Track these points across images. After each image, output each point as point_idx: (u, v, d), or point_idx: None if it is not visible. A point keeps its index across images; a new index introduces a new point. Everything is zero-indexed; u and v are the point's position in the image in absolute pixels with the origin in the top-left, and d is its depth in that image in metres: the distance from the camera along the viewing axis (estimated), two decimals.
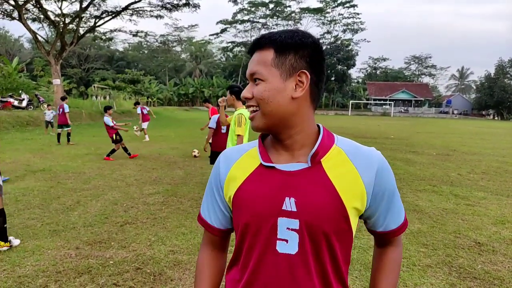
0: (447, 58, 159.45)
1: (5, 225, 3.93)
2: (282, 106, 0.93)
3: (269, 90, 0.92)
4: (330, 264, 0.95)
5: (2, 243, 3.89)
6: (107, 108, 10.60)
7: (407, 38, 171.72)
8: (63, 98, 13.96)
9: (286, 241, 0.93)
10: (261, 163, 0.99)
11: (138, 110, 15.04)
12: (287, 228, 0.93)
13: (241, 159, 1.04)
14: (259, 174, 0.98)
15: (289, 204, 0.93)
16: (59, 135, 13.13)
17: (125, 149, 10.35)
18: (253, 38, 1.08)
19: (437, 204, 5.97)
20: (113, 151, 10.14)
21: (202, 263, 1.14)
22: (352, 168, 0.95)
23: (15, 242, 4.04)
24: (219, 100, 4.93)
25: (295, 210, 0.92)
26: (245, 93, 0.96)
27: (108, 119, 10.11)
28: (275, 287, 0.95)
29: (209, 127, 6.74)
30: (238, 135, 4.47)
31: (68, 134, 13.13)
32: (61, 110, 13.11)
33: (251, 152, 1.04)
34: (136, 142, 13.83)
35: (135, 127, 15.60)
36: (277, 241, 0.94)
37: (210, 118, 9.52)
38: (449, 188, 7.16)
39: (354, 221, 0.96)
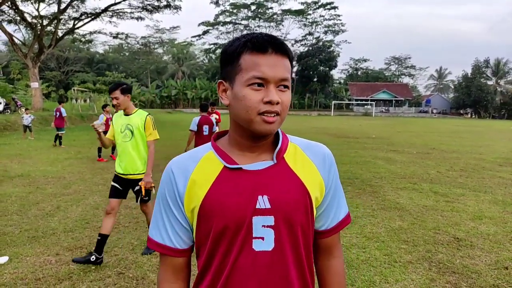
0: (426, 59, 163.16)
1: None
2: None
3: (290, 99, 0.96)
4: (305, 255, 0.99)
5: None
6: (104, 106, 11.07)
7: (386, 39, 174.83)
8: (60, 102, 14.04)
9: (262, 238, 0.94)
10: (224, 166, 0.98)
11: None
12: (262, 226, 0.94)
13: (199, 167, 0.99)
14: (225, 177, 0.97)
15: (263, 202, 0.94)
16: (56, 136, 13.22)
17: (113, 148, 10.38)
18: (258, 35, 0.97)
19: (418, 201, 6.10)
20: (99, 149, 10.28)
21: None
22: (310, 162, 1.03)
23: (1, 260, 3.73)
24: (95, 125, 3.48)
25: (269, 207, 0.94)
26: (277, 97, 0.90)
27: (101, 116, 10.40)
28: (254, 285, 0.95)
29: (190, 130, 6.66)
30: (154, 141, 3.88)
31: (60, 138, 13.18)
32: (57, 113, 13.29)
33: (208, 157, 1.01)
34: None
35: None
36: (253, 240, 0.94)
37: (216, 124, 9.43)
38: (429, 185, 7.32)
39: (315, 212, 1.03)
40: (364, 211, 5.52)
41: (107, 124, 10.32)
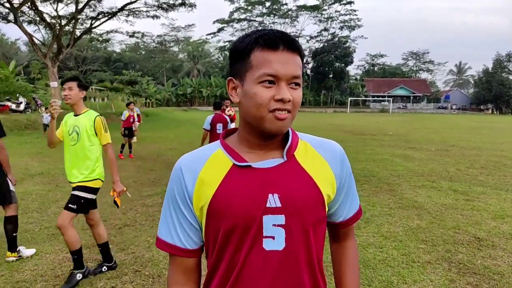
0: (445, 53, 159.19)
1: (14, 234, 3.74)
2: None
3: (301, 97, 0.95)
4: (316, 254, 0.98)
5: (9, 253, 3.71)
6: (128, 104, 11.51)
7: (404, 34, 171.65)
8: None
9: (273, 238, 0.93)
10: (234, 164, 0.96)
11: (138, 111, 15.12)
12: (273, 225, 0.93)
13: (207, 165, 0.98)
14: (234, 175, 0.95)
15: (273, 200, 0.93)
16: None
17: (130, 146, 10.66)
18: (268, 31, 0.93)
19: (436, 200, 5.97)
20: (122, 146, 10.69)
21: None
22: (321, 158, 1.02)
23: (26, 252, 3.84)
24: (53, 104, 3.11)
25: (280, 205, 0.93)
26: (288, 95, 0.90)
27: (124, 113, 10.82)
28: (264, 286, 0.93)
29: (204, 129, 6.65)
30: (107, 145, 3.42)
31: None
32: None
33: (216, 156, 0.99)
34: (134, 143, 13.80)
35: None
36: (263, 239, 0.93)
37: (232, 121, 9.48)
38: (448, 183, 7.16)
39: (326, 209, 1.03)
40: (381, 210, 5.43)
41: (127, 121, 10.74)
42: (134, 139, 14.28)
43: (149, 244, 4.18)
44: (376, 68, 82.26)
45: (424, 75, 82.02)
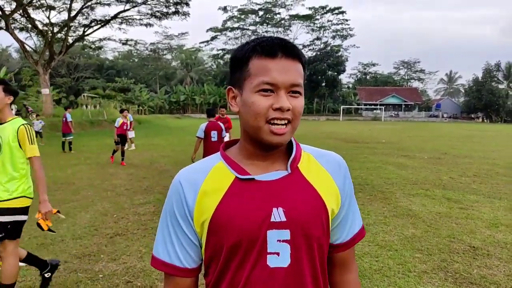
0: (435, 63, 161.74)
1: None
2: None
3: (303, 106, 0.91)
4: (321, 271, 0.94)
5: None
6: (121, 110, 11.67)
7: (396, 43, 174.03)
8: (66, 108, 14.28)
9: (278, 254, 0.89)
10: (236, 177, 0.92)
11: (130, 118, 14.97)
12: (278, 240, 0.88)
13: (209, 178, 0.93)
14: (237, 189, 0.91)
15: (278, 214, 0.88)
16: (63, 143, 13.51)
17: (122, 154, 10.58)
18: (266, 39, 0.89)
19: (431, 208, 5.96)
20: (113, 151, 10.71)
21: None
22: (324, 171, 0.97)
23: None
24: None
25: (285, 219, 0.88)
26: (287, 103, 0.86)
27: (118, 119, 10.83)
28: None
29: (197, 137, 6.49)
30: (33, 158, 2.88)
31: (70, 143, 13.45)
32: (64, 119, 13.51)
33: (218, 169, 0.95)
34: (127, 151, 13.68)
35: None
36: (268, 256, 0.88)
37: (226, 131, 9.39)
38: (441, 191, 7.17)
39: (330, 224, 0.98)
40: (376, 218, 5.41)
41: (121, 128, 10.72)
42: (133, 146, 14.21)
43: (141, 254, 4.09)
44: (368, 77, 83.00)
45: (415, 84, 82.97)
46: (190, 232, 0.93)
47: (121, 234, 4.75)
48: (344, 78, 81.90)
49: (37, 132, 15.46)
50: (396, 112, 64.73)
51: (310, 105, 67.52)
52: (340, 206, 0.98)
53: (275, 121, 0.86)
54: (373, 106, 64.23)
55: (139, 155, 12.72)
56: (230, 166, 0.93)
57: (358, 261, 3.89)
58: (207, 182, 0.93)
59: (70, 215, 5.53)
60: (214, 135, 6.41)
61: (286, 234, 0.89)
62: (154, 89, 68.35)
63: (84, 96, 37.56)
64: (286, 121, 0.87)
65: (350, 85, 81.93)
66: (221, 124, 6.69)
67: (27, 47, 25.84)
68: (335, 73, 66.67)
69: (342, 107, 61.22)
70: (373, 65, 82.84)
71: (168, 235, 0.95)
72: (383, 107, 60.76)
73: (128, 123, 10.91)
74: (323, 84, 66.55)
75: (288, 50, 0.88)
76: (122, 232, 4.84)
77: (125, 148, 10.88)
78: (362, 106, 65.16)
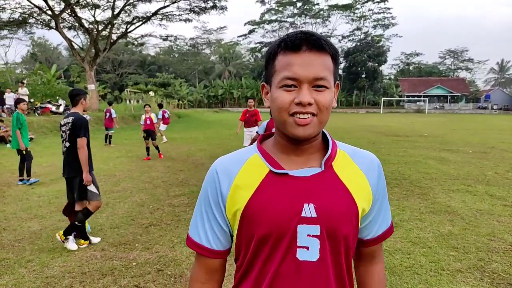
0: (485, 51, 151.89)
1: (76, 223, 4.03)
2: (329, 115, 0.93)
3: (331, 99, 0.92)
4: (346, 268, 0.97)
5: (82, 240, 4.14)
6: (144, 106, 11.88)
7: (441, 31, 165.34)
8: (109, 103, 14.88)
9: (307, 248, 0.92)
10: (270, 171, 0.95)
11: (160, 114, 15.21)
12: (308, 235, 0.91)
13: (244, 169, 0.97)
14: (270, 182, 0.94)
15: (309, 210, 0.91)
16: (106, 136, 14.25)
17: (156, 148, 10.82)
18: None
19: (471, 205, 5.68)
20: (147, 149, 10.77)
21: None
22: (358, 170, 0.98)
23: (95, 240, 4.25)
24: None
25: (315, 216, 0.91)
26: (308, 98, 0.87)
27: (141, 117, 11.07)
28: None
29: (256, 132, 6.73)
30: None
31: (110, 137, 14.14)
32: (107, 114, 14.18)
33: (253, 161, 0.98)
34: (165, 143, 14.13)
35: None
36: (297, 249, 0.92)
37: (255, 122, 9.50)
38: (484, 187, 6.81)
39: (359, 222, 1.00)
40: (411, 215, 5.24)
41: (145, 123, 10.76)
42: (164, 138, 14.63)
43: (173, 244, 4.24)
44: (411, 67, 79.78)
45: (462, 74, 78.65)
46: (222, 219, 0.99)
47: (155, 225, 4.94)
48: (386, 69, 79.35)
49: None
50: (441, 104, 61.79)
51: (350, 97, 66.10)
52: (372, 205, 0.99)
53: (298, 115, 0.88)
54: (416, 98, 61.73)
55: (177, 148, 13.08)
56: (265, 159, 0.96)
57: (388, 257, 3.81)
58: (241, 173, 0.96)
59: (109, 205, 5.82)
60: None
61: (316, 229, 0.91)
62: (193, 84, 69.72)
63: (127, 91, 39.03)
64: (309, 115, 0.88)
65: (392, 77, 79.17)
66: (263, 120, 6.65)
67: (74, 45, 27.20)
68: (376, 64, 64.73)
69: (383, 99, 59.29)
70: (417, 55, 79.43)
71: (200, 218, 1.01)
72: (427, 99, 58.15)
73: (152, 117, 10.90)
74: (363, 75, 64.89)
75: (312, 42, 0.88)
76: (156, 222, 5.03)
77: (155, 142, 10.86)
78: (405, 98, 62.81)
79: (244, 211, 0.93)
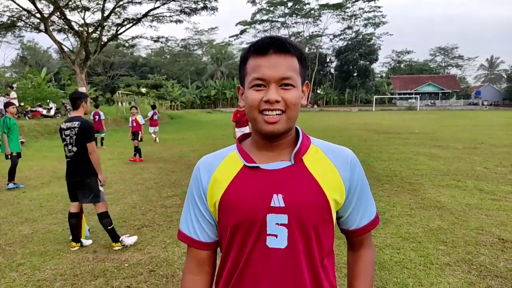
0: (475, 48, 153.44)
1: (109, 227, 4.10)
2: (298, 112, 1.01)
3: (298, 97, 0.99)
4: (318, 256, 1.01)
5: (113, 244, 4.14)
6: (131, 108, 11.86)
7: (431, 29, 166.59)
8: (96, 106, 14.77)
9: (276, 236, 0.97)
10: (244, 165, 1.03)
11: (149, 114, 15.45)
12: (276, 224, 0.97)
13: (222, 164, 1.06)
14: (244, 175, 1.02)
15: (277, 200, 0.97)
16: (96, 138, 13.99)
17: (136, 149, 10.71)
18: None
19: (460, 200, 5.77)
20: (136, 150, 10.70)
21: (186, 281, 1.10)
22: (330, 164, 1.04)
23: (128, 240, 4.22)
24: None
25: (283, 205, 0.97)
26: (275, 96, 0.94)
27: (129, 119, 11.19)
28: (267, 282, 0.98)
29: None
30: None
31: (102, 139, 14.09)
32: (96, 117, 14.06)
33: (231, 157, 1.07)
34: (158, 145, 14.10)
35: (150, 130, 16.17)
36: (267, 237, 0.98)
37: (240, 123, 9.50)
38: (474, 182, 6.90)
39: (334, 214, 1.04)
40: (401, 210, 5.30)
41: (132, 125, 10.82)
42: (157, 139, 14.58)
43: (165, 245, 4.25)
44: (402, 65, 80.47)
45: (453, 71, 79.58)
46: (205, 210, 1.07)
47: (147, 226, 4.95)
48: (377, 67, 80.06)
49: None
50: (432, 101, 62.36)
51: (342, 96, 66.41)
52: (346, 197, 1.04)
53: (266, 112, 0.96)
54: (407, 96, 62.20)
55: (169, 149, 13.06)
56: (241, 155, 1.05)
57: (378, 252, 3.86)
58: (220, 168, 1.05)
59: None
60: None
61: (284, 218, 0.97)
62: (185, 85, 69.50)
63: (118, 93, 38.78)
64: (278, 112, 0.95)
65: (384, 74, 79.76)
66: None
67: (64, 48, 26.99)
68: (367, 63, 65.16)
69: (375, 97, 59.66)
70: (408, 52, 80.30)
71: (188, 212, 1.10)
72: (418, 96, 58.67)
73: (138, 119, 10.92)
74: (355, 74, 65.28)
75: (278, 46, 0.96)
76: (148, 223, 5.04)
77: (137, 142, 10.75)
78: (396, 96, 63.27)
79: (221, 202, 1.02)
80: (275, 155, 1.03)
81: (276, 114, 0.95)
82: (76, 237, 4.19)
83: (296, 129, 1.08)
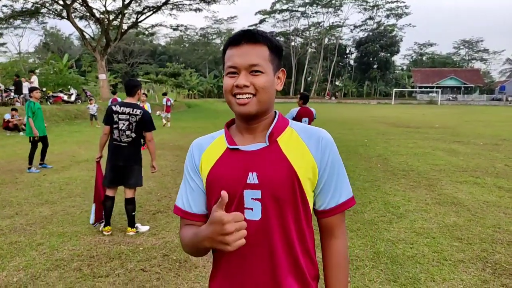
0: (501, 41, 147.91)
1: (133, 213, 4.29)
2: (271, 96, 1.11)
3: (267, 82, 1.08)
4: (295, 228, 1.09)
5: (129, 228, 4.28)
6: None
7: (456, 21, 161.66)
8: (114, 93, 14.98)
9: (252, 209, 1.08)
10: (227, 147, 1.14)
11: (164, 101, 16.00)
12: (252, 198, 1.08)
13: (211, 146, 1.17)
14: (226, 156, 1.13)
15: (252, 178, 1.08)
16: None
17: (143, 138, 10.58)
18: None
19: (478, 197, 5.65)
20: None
21: (186, 231, 1.14)
22: (303, 144, 1.12)
23: (143, 228, 4.38)
24: None
25: (257, 182, 1.08)
26: (243, 81, 1.04)
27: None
28: (243, 251, 1.01)
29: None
30: None
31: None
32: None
33: (219, 139, 1.18)
34: (175, 133, 14.25)
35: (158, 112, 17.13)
36: (244, 210, 1.08)
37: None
38: (493, 179, 6.75)
39: (309, 192, 1.11)
40: (416, 205, 5.24)
41: None
42: (168, 124, 14.93)
43: (179, 230, 4.31)
44: (424, 58, 78.57)
45: (477, 65, 77.15)
46: (199, 181, 1.17)
47: (162, 212, 5.04)
48: (398, 59, 78.51)
49: (92, 115, 16.56)
50: (454, 95, 60.79)
51: (361, 88, 65.48)
52: (318, 176, 1.11)
53: (238, 96, 1.07)
54: (428, 89, 60.83)
55: (186, 137, 13.18)
56: (226, 138, 1.16)
57: (391, 246, 3.84)
58: (209, 149, 1.17)
59: (118, 193, 5.90)
60: (305, 121, 5.87)
61: (258, 193, 1.08)
62: (203, 74, 69.72)
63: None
64: (248, 95, 1.06)
65: (404, 67, 78.11)
66: (314, 111, 6.15)
67: (85, 35, 27.40)
68: (388, 54, 63.92)
69: (394, 90, 58.60)
70: (430, 45, 78.31)
71: (184, 187, 1.20)
72: (439, 90, 57.26)
73: (146, 107, 10.54)
74: (375, 66, 64.14)
75: (250, 37, 1.07)
76: (163, 209, 5.13)
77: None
78: (417, 89, 61.95)
79: (207, 180, 1.14)
80: (252, 137, 1.13)
81: (247, 98, 1.05)
82: (109, 221, 4.32)
83: (276, 113, 1.17)
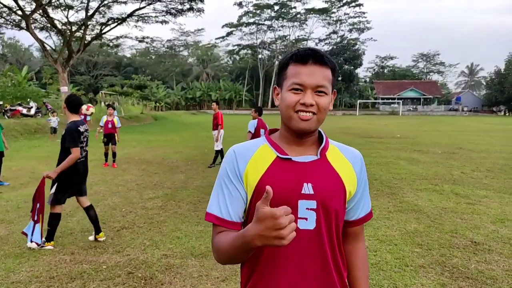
0: (456, 55, 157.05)
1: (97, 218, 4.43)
2: (326, 115, 1.17)
3: (328, 103, 1.15)
4: (336, 235, 1.19)
5: (101, 234, 4.43)
6: (107, 106, 11.06)
7: (414, 35, 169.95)
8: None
9: (306, 219, 1.13)
10: (277, 156, 1.17)
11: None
12: (306, 208, 1.12)
13: (256, 155, 1.18)
14: (277, 165, 1.16)
15: (307, 188, 1.12)
16: None
17: (113, 155, 9.90)
18: (300, 47, 1.24)
19: (437, 204, 5.91)
20: (105, 154, 9.93)
21: (222, 237, 1.12)
22: (346, 161, 1.22)
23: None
24: None
25: (313, 193, 1.12)
26: (310, 100, 1.10)
27: (102, 118, 10.07)
28: (296, 259, 1.12)
29: (249, 131, 7.12)
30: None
31: None
32: (81, 117, 13.67)
33: (263, 148, 1.20)
34: (140, 146, 13.97)
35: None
36: (298, 220, 1.11)
37: (217, 122, 9.65)
38: (450, 187, 7.09)
39: (346, 203, 1.23)
40: (379, 213, 5.41)
41: (106, 127, 9.72)
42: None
43: (144, 247, 4.23)
44: (385, 70, 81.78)
45: (435, 77, 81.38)
46: (241, 188, 1.17)
47: (127, 228, 4.91)
48: (361, 72, 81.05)
49: (53, 128, 15.97)
50: (414, 106, 63.57)
51: None
52: (356, 188, 1.22)
53: (301, 112, 1.12)
54: (390, 100, 63.24)
55: (152, 151, 12.96)
56: (273, 147, 1.19)
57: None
58: (254, 158, 1.18)
59: (80, 209, 5.69)
60: (262, 132, 6.84)
61: (313, 204, 1.13)
62: (170, 86, 69.06)
63: (102, 93, 38.29)
64: (311, 113, 1.11)
65: (367, 79, 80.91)
66: (266, 124, 7.23)
67: (46, 46, 26.49)
68: (352, 67, 65.99)
69: (358, 101, 60.49)
70: (391, 58, 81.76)
71: (222, 194, 1.18)
72: (401, 101, 59.75)
73: (115, 121, 9.90)
74: (340, 78, 65.84)
75: (317, 58, 1.12)
76: (128, 225, 5.00)
77: (115, 147, 9.88)
78: (379, 100, 64.23)
79: (256, 189, 1.14)
80: (303, 149, 1.19)
81: (309, 114, 1.11)
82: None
83: (319, 130, 1.25)
